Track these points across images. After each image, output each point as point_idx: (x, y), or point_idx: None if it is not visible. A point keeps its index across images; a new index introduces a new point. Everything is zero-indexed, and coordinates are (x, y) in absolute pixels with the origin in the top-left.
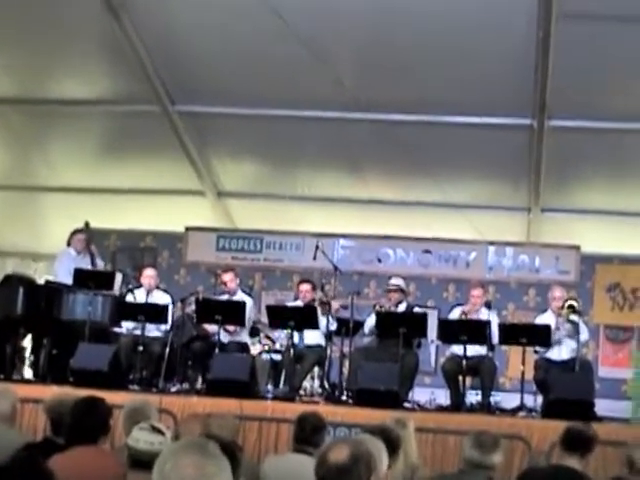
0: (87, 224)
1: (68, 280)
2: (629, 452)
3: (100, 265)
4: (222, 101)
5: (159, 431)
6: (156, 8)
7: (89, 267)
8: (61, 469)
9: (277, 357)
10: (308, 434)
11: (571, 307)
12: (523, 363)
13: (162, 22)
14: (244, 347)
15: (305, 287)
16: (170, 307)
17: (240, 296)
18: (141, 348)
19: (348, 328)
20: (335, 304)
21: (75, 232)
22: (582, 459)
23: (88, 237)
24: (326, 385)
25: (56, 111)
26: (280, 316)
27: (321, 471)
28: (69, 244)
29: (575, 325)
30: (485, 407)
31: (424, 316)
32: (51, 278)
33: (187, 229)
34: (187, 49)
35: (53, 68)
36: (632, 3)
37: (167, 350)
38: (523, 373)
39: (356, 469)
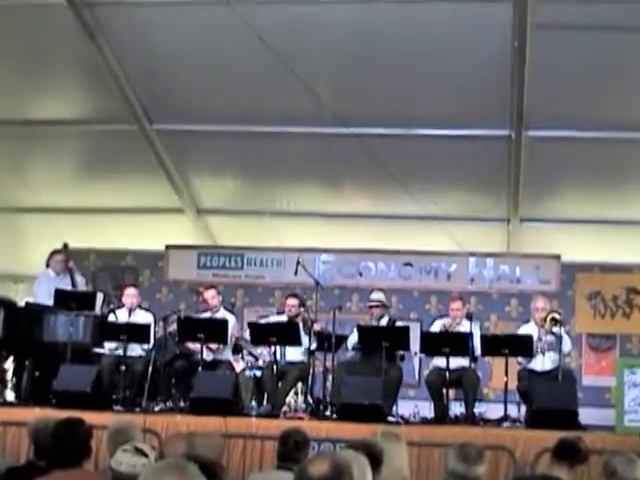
0: (66, 245)
1: (48, 301)
2: (610, 460)
3: (81, 283)
4: (200, 119)
5: (142, 453)
6: (133, 29)
7: (69, 287)
8: None
9: (260, 374)
10: (291, 451)
11: (554, 319)
12: (506, 374)
13: (139, 42)
14: (227, 365)
15: (292, 302)
16: (152, 326)
17: (222, 313)
18: (124, 368)
19: (330, 344)
20: (316, 326)
21: (54, 253)
22: (571, 471)
23: (67, 257)
24: (310, 400)
25: (34, 131)
26: (262, 333)
27: None
28: (48, 265)
29: (558, 337)
30: (469, 418)
31: (406, 329)
32: (31, 300)
33: (167, 247)
34: (164, 68)
35: (30, 89)
36: (606, 13)
37: (150, 369)
38: (506, 384)
39: None
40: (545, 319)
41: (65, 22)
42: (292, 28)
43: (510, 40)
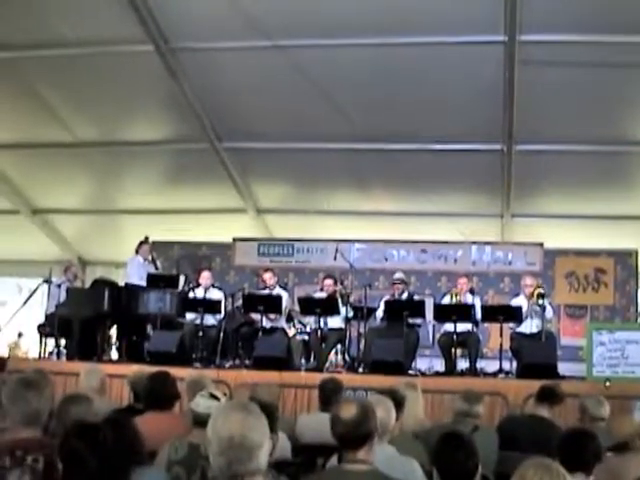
0: (147, 238)
1: (138, 281)
2: (583, 402)
3: (160, 268)
4: (258, 138)
5: (215, 397)
6: (206, 68)
7: (154, 271)
8: (140, 429)
9: (308, 338)
10: (329, 395)
11: (540, 294)
12: (501, 336)
13: (211, 78)
14: (282, 331)
15: (328, 282)
16: (223, 301)
17: (278, 291)
18: (201, 334)
19: (362, 314)
20: (352, 298)
21: (141, 243)
22: (550, 409)
23: (151, 247)
24: (347, 358)
25: (129, 150)
26: (309, 305)
27: (338, 429)
28: (137, 252)
29: (542, 307)
30: (472, 372)
31: (422, 302)
32: (126, 280)
33: (234, 240)
34: (231, 98)
35: (125, 118)
36: (579, 52)
37: (221, 335)
38: (501, 344)
39: (365, 421)
40: (533, 293)
41: (153, 64)
42: (333, 66)
43: (502, 72)
